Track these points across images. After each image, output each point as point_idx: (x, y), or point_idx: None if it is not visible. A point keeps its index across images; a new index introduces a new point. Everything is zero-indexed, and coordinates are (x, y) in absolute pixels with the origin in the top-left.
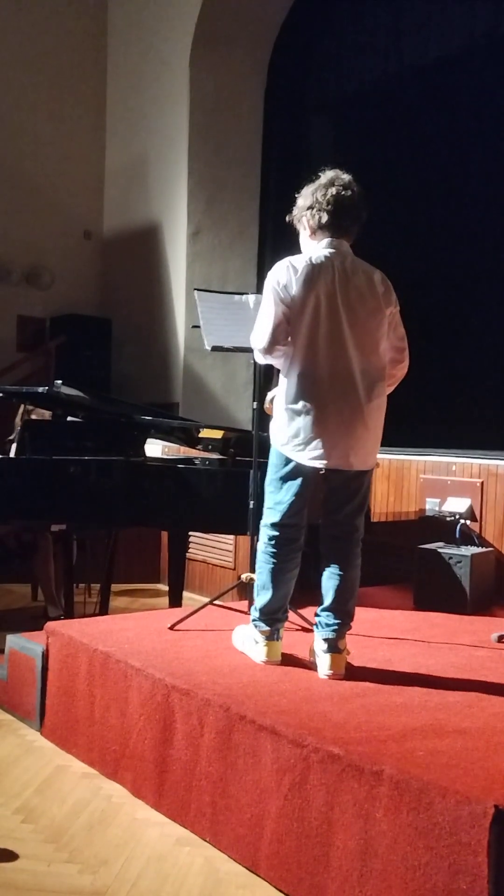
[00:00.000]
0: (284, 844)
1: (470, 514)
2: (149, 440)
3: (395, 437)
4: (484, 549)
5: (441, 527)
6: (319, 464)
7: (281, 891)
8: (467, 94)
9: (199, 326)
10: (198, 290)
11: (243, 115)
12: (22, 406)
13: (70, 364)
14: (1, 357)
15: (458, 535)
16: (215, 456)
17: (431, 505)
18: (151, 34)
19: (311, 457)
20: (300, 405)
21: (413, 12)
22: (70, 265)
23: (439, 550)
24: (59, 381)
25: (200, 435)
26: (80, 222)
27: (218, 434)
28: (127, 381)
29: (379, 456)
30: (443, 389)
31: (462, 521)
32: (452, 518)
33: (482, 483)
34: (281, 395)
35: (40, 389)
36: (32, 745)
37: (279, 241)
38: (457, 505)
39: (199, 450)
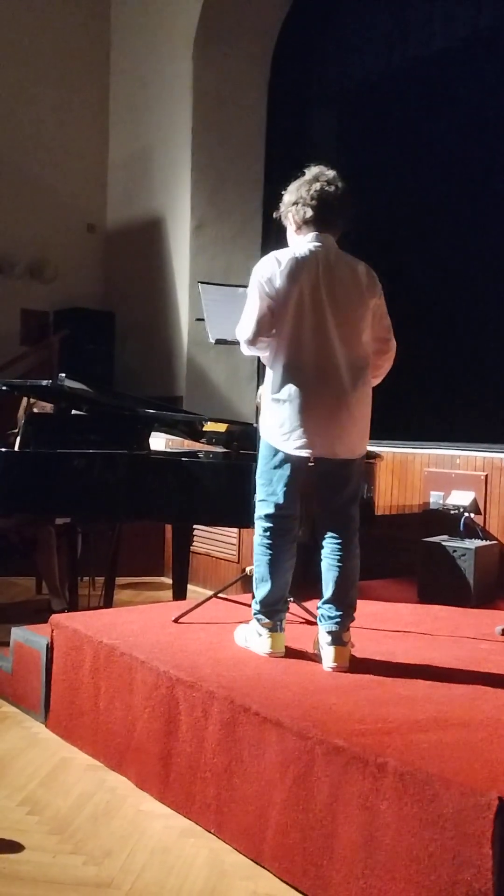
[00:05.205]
0: (289, 836)
1: (474, 507)
2: (152, 433)
3: (399, 430)
4: (488, 543)
5: (445, 520)
6: (305, 452)
7: (285, 882)
8: (471, 86)
9: (202, 319)
10: (202, 282)
11: (246, 108)
12: (25, 400)
13: (73, 357)
14: (4, 350)
15: (462, 529)
16: (219, 449)
17: (435, 498)
18: (154, 27)
19: (296, 446)
20: (285, 395)
21: (416, 3)
22: (73, 258)
23: (443, 543)
24: (63, 375)
25: (204, 428)
26: (84, 216)
27: (221, 427)
28: (130, 374)
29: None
30: (447, 382)
31: (466, 514)
32: (456, 511)
33: (486, 476)
34: (267, 386)
35: (44, 383)
36: (37, 737)
37: (283, 233)
38: (461, 498)
39: (202, 443)
